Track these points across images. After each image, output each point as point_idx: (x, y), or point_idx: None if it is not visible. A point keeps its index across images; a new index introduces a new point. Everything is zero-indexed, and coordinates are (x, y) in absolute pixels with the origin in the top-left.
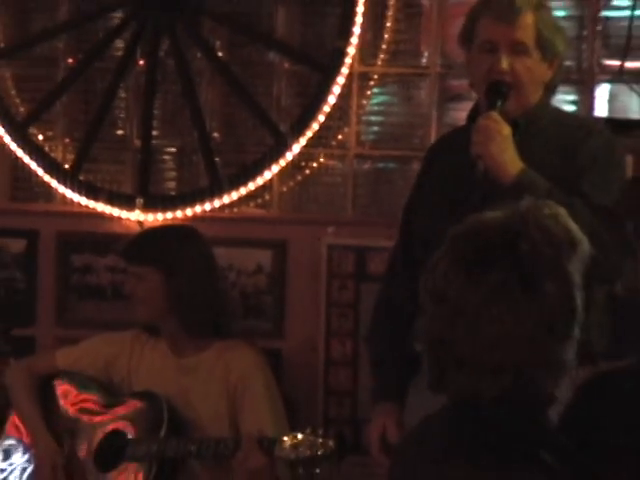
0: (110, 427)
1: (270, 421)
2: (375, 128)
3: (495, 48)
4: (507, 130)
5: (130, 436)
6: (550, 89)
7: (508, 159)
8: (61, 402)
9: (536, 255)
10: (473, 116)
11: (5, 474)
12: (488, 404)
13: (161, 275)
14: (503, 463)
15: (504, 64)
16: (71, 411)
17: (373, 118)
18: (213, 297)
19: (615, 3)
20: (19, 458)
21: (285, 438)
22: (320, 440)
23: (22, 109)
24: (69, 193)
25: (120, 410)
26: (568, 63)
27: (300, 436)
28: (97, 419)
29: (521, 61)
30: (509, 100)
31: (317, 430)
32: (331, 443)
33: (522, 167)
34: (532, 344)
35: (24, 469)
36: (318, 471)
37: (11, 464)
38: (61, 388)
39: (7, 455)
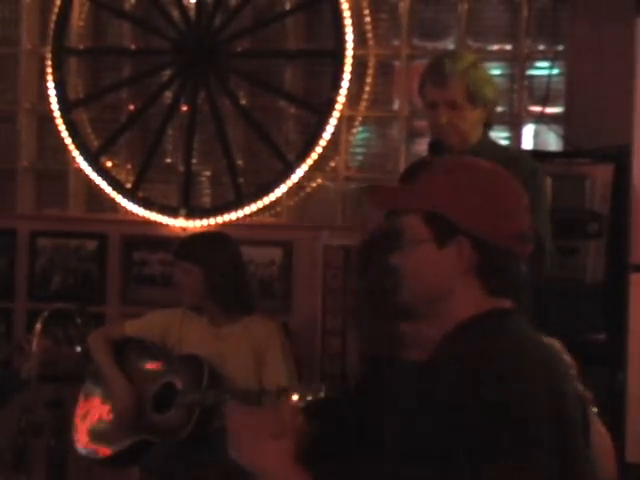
0: (164, 380)
1: (285, 373)
2: (359, 157)
3: (436, 106)
4: None
5: (179, 387)
6: (488, 126)
7: None
8: (130, 361)
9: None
10: (433, 147)
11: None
12: None
13: (202, 271)
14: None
15: (443, 119)
16: (136, 368)
17: (358, 150)
18: (240, 285)
19: (537, 64)
20: None
21: (294, 395)
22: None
23: (95, 143)
24: (130, 206)
25: (172, 368)
26: (502, 109)
27: (304, 394)
28: (155, 374)
29: (456, 113)
30: (452, 140)
31: (320, 386)
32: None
33: None
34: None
35: None
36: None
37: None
38: (130, 351)
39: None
